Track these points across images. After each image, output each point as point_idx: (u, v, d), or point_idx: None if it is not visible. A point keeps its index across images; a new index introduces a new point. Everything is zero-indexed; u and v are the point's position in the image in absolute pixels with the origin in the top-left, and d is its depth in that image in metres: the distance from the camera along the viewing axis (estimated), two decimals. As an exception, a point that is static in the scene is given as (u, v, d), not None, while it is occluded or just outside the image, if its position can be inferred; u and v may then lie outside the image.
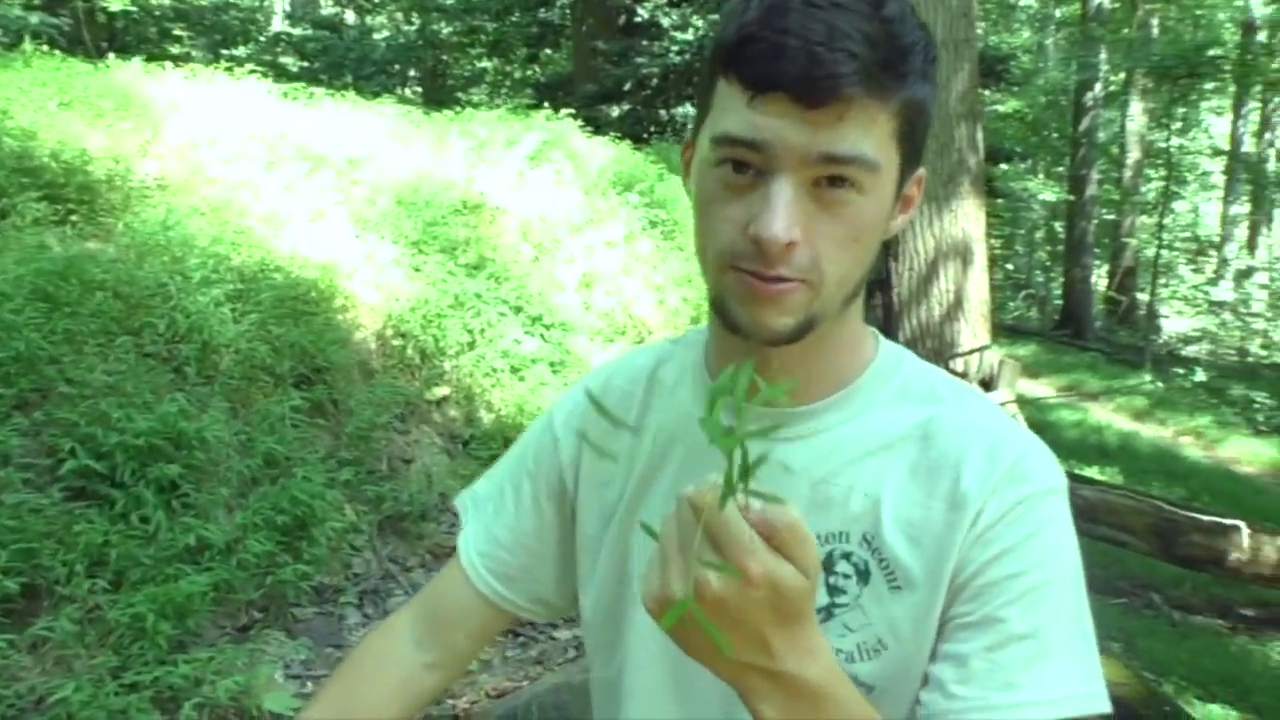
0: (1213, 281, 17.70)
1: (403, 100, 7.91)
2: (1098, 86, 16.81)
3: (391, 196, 4.73)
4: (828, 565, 0.77)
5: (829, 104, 0.66)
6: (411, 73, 16.13)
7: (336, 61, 12.86)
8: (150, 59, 5.23)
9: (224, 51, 11.83)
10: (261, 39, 14.36)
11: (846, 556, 0.77)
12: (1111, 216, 18.41)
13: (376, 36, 15.46)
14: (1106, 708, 0.73)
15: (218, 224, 3.89)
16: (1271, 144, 21.67)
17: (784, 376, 0.74)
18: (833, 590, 0.77)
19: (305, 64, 13.30)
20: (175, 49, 10.70)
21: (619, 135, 7.33)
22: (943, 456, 0.77)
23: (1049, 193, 18.74)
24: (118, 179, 3.85)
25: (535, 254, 5.18)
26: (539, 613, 1.00)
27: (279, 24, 16.23)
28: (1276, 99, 20.26)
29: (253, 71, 5.37)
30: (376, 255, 4.38)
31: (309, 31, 14.50)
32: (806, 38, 0.65)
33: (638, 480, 0.88)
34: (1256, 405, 11.76)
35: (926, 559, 0.75)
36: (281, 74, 9.04)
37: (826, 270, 0.71)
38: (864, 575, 0.77)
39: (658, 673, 0.85)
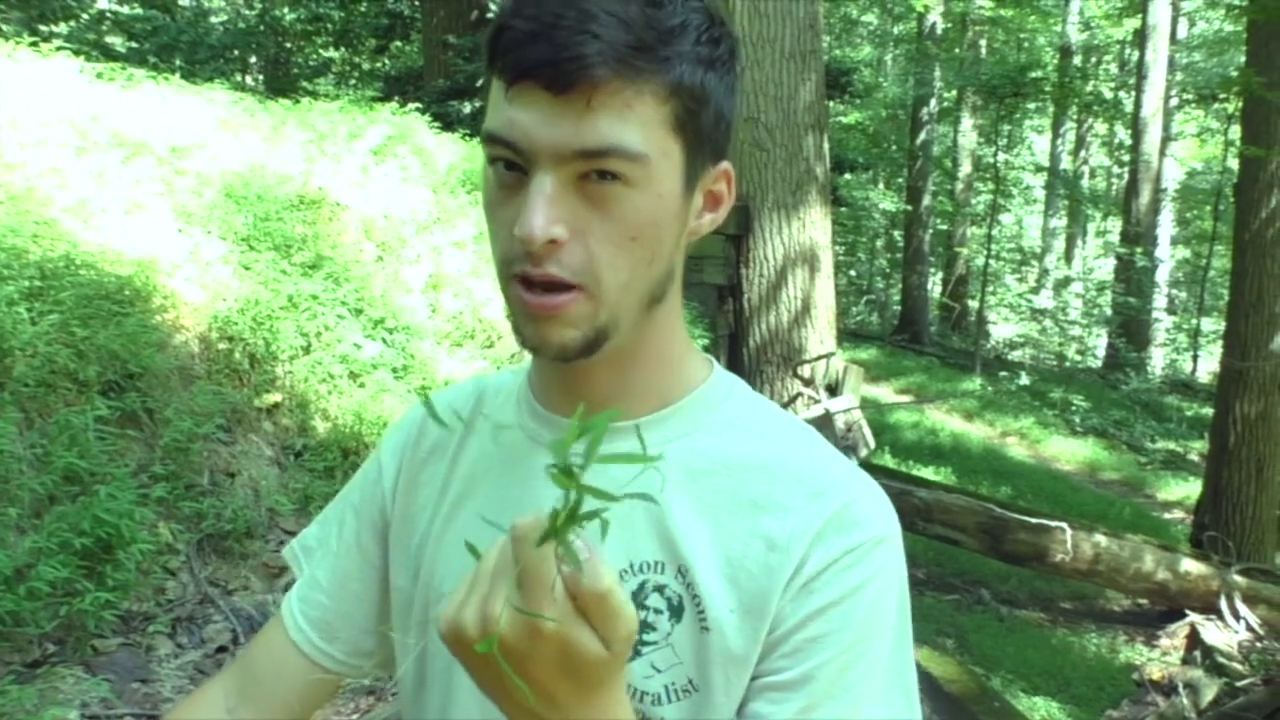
0: (1034, 290, 18.88)
1: (238, 87, 7.48)
2: (932, 102, 17.66)
3: (220, 189, 4.41)
4: (639, 597, 0.72)
5: (576, 89, 0.63)
6: (252, 60, 15.35)
7: (168, 44, 12.07)
8: (-57, 31, 4.73)
9: (41, 28, 10.90)
10: (85, 16, 13.33)
11: (660, 590, 0.72)
12: (945, 227, 19.39)
13: (214, 20, 14.63)
14: None
15: (15, 214, 3.52)
16: (1086, 162, 23.34)
17: (598, 386, 0.75)
18: (643, 626, 0.71)
19: (134, 45, 12.44)
20: (-17, 22, 9.78)
21: (470, 133, 7.14)
22: (767, 493, 0.73)
23: (889, 202, 19.58)
24: (-106, 161, 3.44)
25: (379, 254, 4.96)
26: (362, 668, 0.91)
27: (105, 0, 15.13)
28: (1090, 120, 21.82)
29: (62, 48, 4.92)
30: (202, 251, 4.07)
31: (137, 10, 13.57)
32: (554, 23, 0.63)
33: (450, 505, 0.82)
34: (1074, 408, 12.60)
35: (743, 602, 0.71)
36: (108, 55, 8.37)
37: (604, 276, 0.67)
38: (677, 611, 0.72)
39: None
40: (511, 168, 0.67)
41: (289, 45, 15.04)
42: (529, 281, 0.67)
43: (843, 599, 0.70)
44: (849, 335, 16.94)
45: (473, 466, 0.82)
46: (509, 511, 0.75)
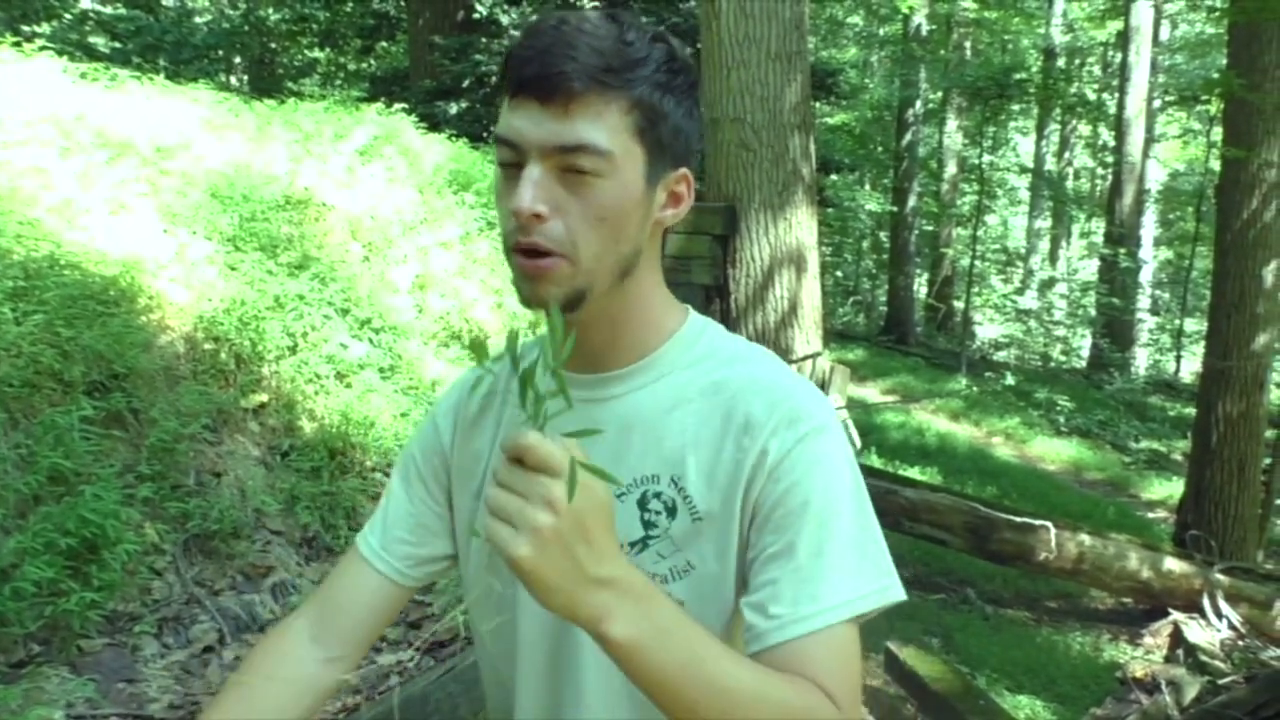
0: (1019, 291, 18.93)
1: (222, 88, 7.44)
2: (918, 104, 17.71)
3: (205, 189, 4.40)
4: (642, 503, 0.92)
5: (557, 97, 0.82)
6: (237, 60, 15.27)
7: (152, 44, 12.00)
8: (-76, 31, 4.69)
9: (24, 28, 10.81)
10: (68, 16, 13.23)
11: (657, 495, 0.92)
12: (931, 228, 19.45)
13: (198, 20, 14.55)
14: (902, 596, 0.90)
15: (-1, 214, 3.50)
16: (1070, 163, 23.47)
17: (587, 345, 0.92)
18: (646, 524, 0.92)
19: (117, 45, 12.35)
20: (-37, 22, 9.70)
21: (457, 133, 7.13)
22: (732, 405, 0.91)
23: (875, 204, 19.61)
24: (-124, 160, 3.41)
25: (365, 254, 4.95)
26: (429, 582, 1.10)
27: (88, 0, 15.01)
28: (1074, 122, 21.94)
29: (44, 48, 4.89)
30: (187, 252, 4.06)
31: (120, 10, 13.48)
32: (546, 49, 0.82)
33: (498, 453, 0.96)
34: (1058, 408, 12.65)
35: (720, 493, 0.90)
36: (91, 55, 8.32)
37: (580, 247, 0.85)
38: (672, 510, 0.91)
39: (540, 670, 0.98)
40: (513, 165, 0.85)
41: (274, 46, 14.98)
42: (523, 250, 0.84)
43: (802, 477, 0.88)
44: (836, 336, 16.98)
45: (512, 415, 1.01)
46: None
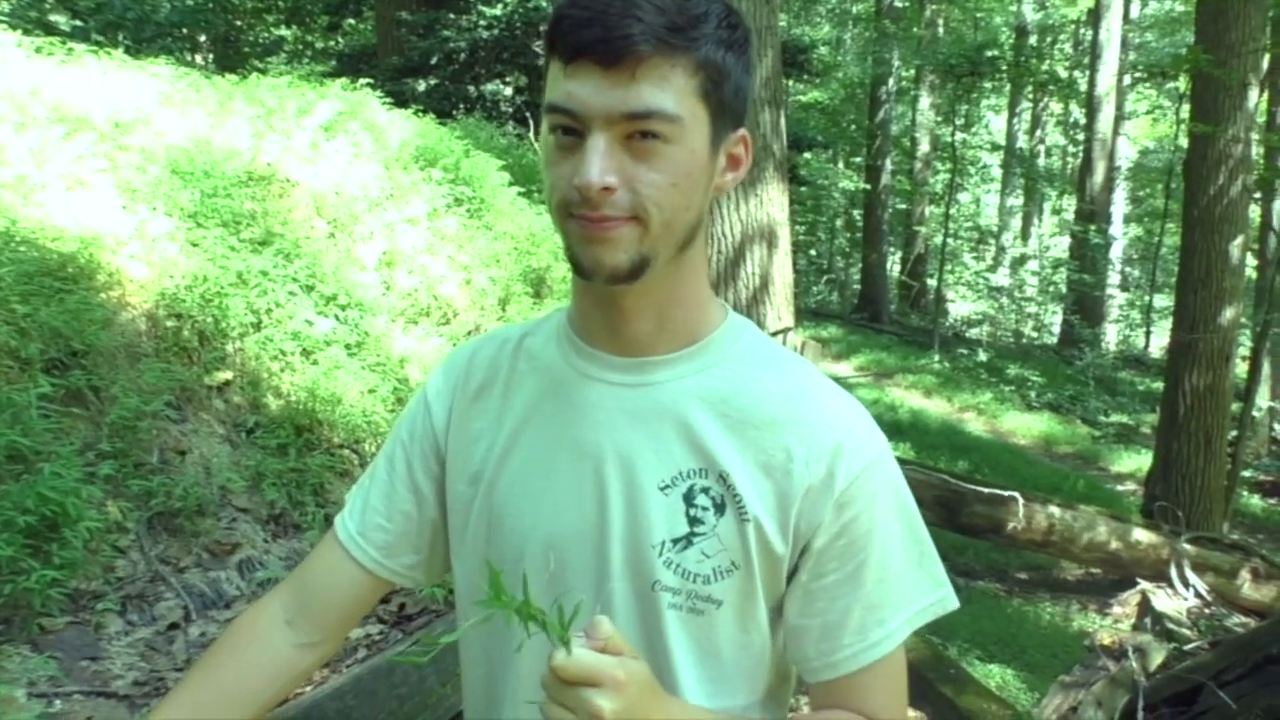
0: (992, 268, 19.06)
1: (182, 63, 7.29)
2: (891, 81, 17.72)
3: (165, 165, 4.31)
4: (688, 498, 0.89)
5: (623, 62, 0.77)
6: (202, 39, 15.01)
7: (113, 21, 11.75)
8: None
9: (-20, 5, 10.55)
10: (26, -7, 12.92)
11: (705, 491, 0.89)
12: (904, 206, 19.51)
13: (161, -4, 14.26)
14: (955, 604, 0.95)
15: (-49, 190, 3.42)
16: (1042, 141, 23.57)
17: (638, 322, 0.91)
18: (693, 521, 0.89)
19: (78, 23, 12.09)
20: (-84, -2, 9.45)
21: (424, 110, 7.05)
22: (784, 413, 0.89)
23: (848, 181, 19.63)
24: None
25: (330, 230, 4.89)
26: (417, 579, 1.07)
27: (47, -23, 14.63)
28: (1045, 99, 22.03)
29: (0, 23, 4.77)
30: (147, 228, 3.98)
31: (81, -14, 13.17)
32: (605, 10, 0.77)
33: (507, 436, 0.96)
34: (1030, 383, 12.77)
35: (770, 499, 0.88)
36: (50, 33, 8.14)
37: (650, 210, 0.81)
38: (720, 508, 0.88)
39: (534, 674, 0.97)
40: (569, 132, 0.81)
41: (239, 23, 14.72)
42: (586, 220, 0.81)
43: (867, 507, 0.88)
44: (810, 314, 17.02)
45: (527, 402, 0.96)
46: (566, 439, 0.93)
